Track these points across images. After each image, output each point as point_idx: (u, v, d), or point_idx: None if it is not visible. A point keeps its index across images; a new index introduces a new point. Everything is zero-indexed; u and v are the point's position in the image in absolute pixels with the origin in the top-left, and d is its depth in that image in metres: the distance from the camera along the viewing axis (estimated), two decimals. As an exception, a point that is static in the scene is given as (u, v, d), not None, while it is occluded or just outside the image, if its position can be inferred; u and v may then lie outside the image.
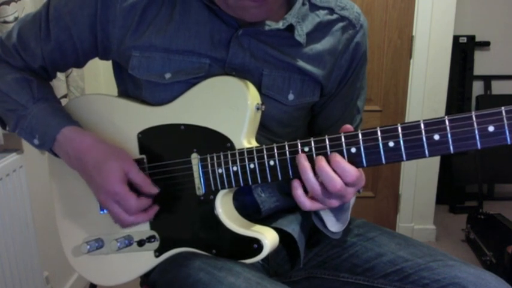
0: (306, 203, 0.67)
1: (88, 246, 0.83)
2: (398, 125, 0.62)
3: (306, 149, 0.67)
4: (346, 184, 0.65)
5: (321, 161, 0.65)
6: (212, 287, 0.68)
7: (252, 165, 0.71)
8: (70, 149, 0.78)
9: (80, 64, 0.87)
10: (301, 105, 0.83)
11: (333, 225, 0.79)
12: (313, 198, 0.68)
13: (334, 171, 0.65)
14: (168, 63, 0.77)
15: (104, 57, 0.84)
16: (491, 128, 0.58)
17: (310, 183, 0.66)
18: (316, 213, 0.80)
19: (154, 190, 0.77)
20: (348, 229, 0.87)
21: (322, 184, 0.65)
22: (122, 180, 0.74)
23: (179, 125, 0.77)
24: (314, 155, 0.67)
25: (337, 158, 0.65)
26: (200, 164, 0.76)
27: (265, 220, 0.85)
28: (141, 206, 0.76)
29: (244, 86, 0.73)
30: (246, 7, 0.68)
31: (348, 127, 0.67)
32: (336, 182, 0.64)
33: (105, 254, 0.85)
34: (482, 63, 2.79)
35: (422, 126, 0.61)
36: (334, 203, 0.67)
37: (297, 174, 0.68)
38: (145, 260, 0.82)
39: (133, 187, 0.76)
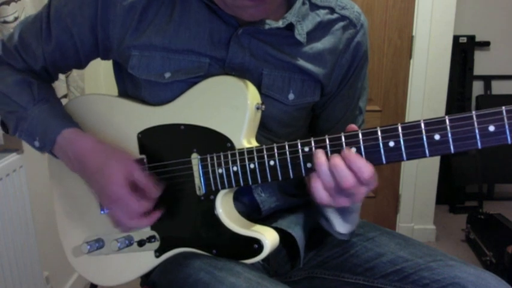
0: (324, 196, 0.65)
1: (88, 247, 0.83)
2: (399, 124, 0.62)
3: (306, 149, 0.67)
4: (361, 182, 0.63)
5: (336, 158, 0.63)
6: (212, 287, 0.68)
7: (252, 165, 0.71)
8: (70, 152, 0.78)
9: (82, 65, 0.87)
10: (301, 105, 0.83)
11: (340, 226, 0.79)
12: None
13: (350, 168, 0.63)
14: (168, 63, 0.77)
15: (104, 57, 0.84)
16: (491, 128, 0.58)
17: (327, 179, 0.64)
18: (323, 214, 0.80)
19: (156, 193, 0.76)
20: (348, 229, 0.87)
21: (336, 179, 0.64)
22: (124, 183, 0.74)
23: (179, 125, 0.77)
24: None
25: (351, 156, 0.63)
26: (200, 164, 0.76)
27: (265, 220, 0.85)
28: (143, 210, 0.74)
29: (244, 86, 0.73)
30: (244, 6, 0.68)
31: (354, 127, 0.66)
32: (348, 178, 0.62)
33: (106, 254, 0.85)
34: (482, 63, 2.79)
35: (422, 126, 0.61)
36: (344, 201, 0.66)
37: (298, 174, 0.68)
38: (146, 260, 0.82)
39: (135, 188, 0.75)
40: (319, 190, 0.65)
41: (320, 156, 0.64)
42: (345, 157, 0.63)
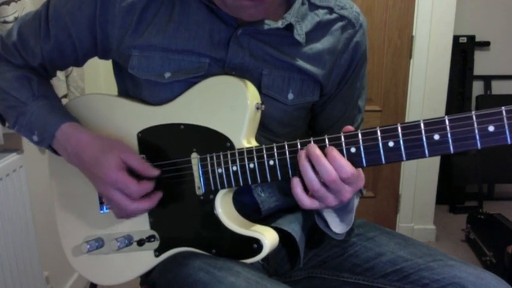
0: (305, 201, 0.67)
1: (88, 246, 0.83)
2: (398, 124, 0.62)
3: (306, 148, 0.67)
4: (342, 180, 0.65)
5: (315, 150, 0.65)
6: (212, 287, 0.68)
7: (251, 165, 0.71)
8: (68, 146, 0.78)
9: (79, 63, 0.87)
10: (301, 104, 0.83)
11: (337, 226, 0.79)
12: (312, 196, 0.68)
13: (332, 165, 0.65)
14: (168, 63, 0.77)
15: (103, 57, 0.84)
16: (491, 128, 0.58)
17: (309, 177, 0.66)
18: (319, 214, 0.80)
19: (154, 172, 0.76)
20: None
21: (319, 178, 0.65)
22: (120, 168, 0.74)
23: (179, 124, 0.77)
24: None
25: (333, 152, 0.65)
26: (200, 164, 0.76)
27: (265, 220, 0.85)
28: (143, 190, 0.75)
29: (244, 86, 0.73)
30: (244, 7, 0.68)
31: (350, 128, 0.67)
32: (330, 173, 0.64)
33: (105, 254, 0.85)
34: (482, 63, 2.79)
35: (422, 126, 0.61)
36: (332, 200, 0.67)
37: (297, 173, 0.68)
38: (145, 259, 0.82)
39: (134, 175, 0.75)
40: (299, 195, 0.67)
41: (303, 159, 0.66)
42: (326, 153, 0.65)
